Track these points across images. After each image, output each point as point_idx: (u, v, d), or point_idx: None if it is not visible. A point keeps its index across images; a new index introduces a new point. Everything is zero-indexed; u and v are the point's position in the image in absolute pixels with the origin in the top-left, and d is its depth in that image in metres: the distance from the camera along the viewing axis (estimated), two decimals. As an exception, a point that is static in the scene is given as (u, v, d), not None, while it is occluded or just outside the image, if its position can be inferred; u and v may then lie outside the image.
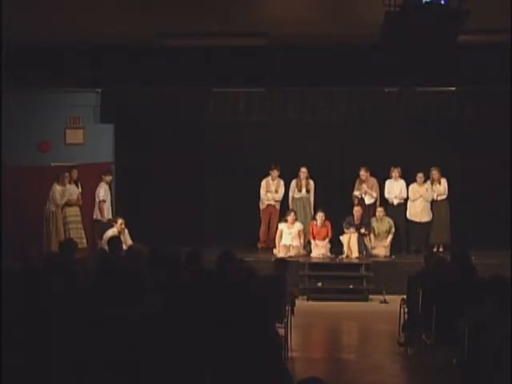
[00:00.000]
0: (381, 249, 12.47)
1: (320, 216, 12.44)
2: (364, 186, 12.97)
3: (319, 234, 12.42)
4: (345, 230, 12.40)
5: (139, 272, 6.10)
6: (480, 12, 8.26)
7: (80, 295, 5.72)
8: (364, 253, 12.27)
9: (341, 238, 12.44)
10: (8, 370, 4.75)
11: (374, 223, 12.56)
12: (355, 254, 12.19)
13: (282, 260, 8.49)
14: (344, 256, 12.24)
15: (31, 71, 12.00)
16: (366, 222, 12.49)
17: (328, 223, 12.51)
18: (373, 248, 12.48)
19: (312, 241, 12.48)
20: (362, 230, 12.37)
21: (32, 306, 5.65)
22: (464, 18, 7.59)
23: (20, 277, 6.55)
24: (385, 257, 12.43)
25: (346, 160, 14.00)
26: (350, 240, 12.26)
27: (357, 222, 12.42)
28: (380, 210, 12.62)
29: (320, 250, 12.32)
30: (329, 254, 12.38)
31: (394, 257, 12.45)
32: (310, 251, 12.47)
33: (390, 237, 12.54)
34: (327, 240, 12.47)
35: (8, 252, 8.60)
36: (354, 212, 12.45)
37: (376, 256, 12.38)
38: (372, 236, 12.52)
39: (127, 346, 4.95)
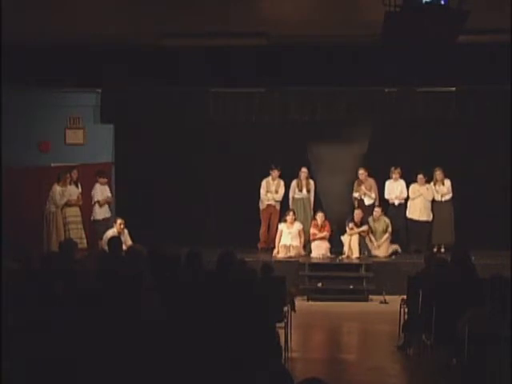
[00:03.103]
0: (379, 249, 12.45)
1: (320, 216, 12.45)
2: (362, 187, 12.98)
3: (319, 234, 12.41)
4: (347, 229, 12.36)
5: (139, 272, 6.10)
6: (480, 12, 8.26)
7: (80, 296, 5.72)
8: (366, 253, 12.28)
9: (342, 238, 12.44)
10: (8, 371, 4.75)
11: (371, 223, 12.55)
12: (356, 253, 12.19)
13: (267, 266, 8.45)
14: (344, 256, 12.23)
15: (31, 71, 12.00)
16: (366, 224, 12.50)
17: (327, 223, 12.51)
18: (375, 248, 12.46)
19: (312, 241, 12.47)
20: (363, 233, 12.38)
21: (32, 306, 5.64)
22: (464, 18, 7.59)
23: (20, 277, 6.55)
24: (384, 257, 12.41)
25: (346, 160, 14.01)
26: (350, 240, 12.26)
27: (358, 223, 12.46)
28: (377, 211, 12.61)
29: (320, 250, 12.31)
30: (329, 254, 12.38)
31: (394, 257, 12.44)
32: (310, 251, 12.47)
33: (386, 235, 12.51)
34: (327, 240, 12.47)
35: (8, 252, 8.60)
36: (355, 215, 12.44)
37: (376, 256, 12.38)
38: (372, 236, 12.51)
39: (128, 346, 4.94)
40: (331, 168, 13.86)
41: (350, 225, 12.37)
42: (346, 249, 12.28)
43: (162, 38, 10.87)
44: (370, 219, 12.59)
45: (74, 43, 11.34)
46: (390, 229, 12.54)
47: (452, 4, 7.37)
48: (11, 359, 4.83)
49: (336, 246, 12.62)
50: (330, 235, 12.57)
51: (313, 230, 12.46)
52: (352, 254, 12.20)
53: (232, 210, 13.77)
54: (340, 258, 12.24)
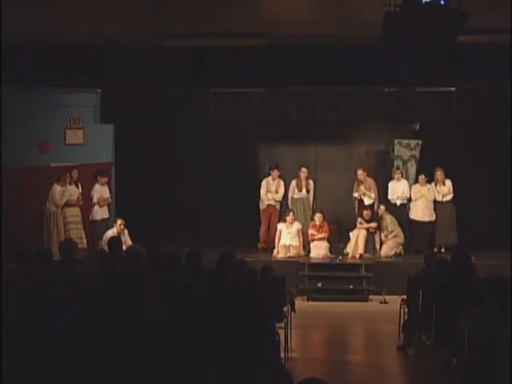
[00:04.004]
0: (383, 246, 12.43)
1: (318, 217, 12.43)
2: (362, 187, 12.97)
3: (318, 234, 12.38)
4: (357, 224, 12.35)
5: (139, 273, 6.10)
6: (480, 12, 8.27)
7: (80, 296, 5.72)
8: (372, 252, 12.27)
9: (350, 233, 12.42)
10: (8, 371, 4.75)
11: (380, 221, 12.52)
12: (361, 250, 12.16)
13: (267, 267, 8.43)
14: (349, 253, 12.18)
15: (31, 71, 12.00)
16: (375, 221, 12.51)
17: (326, 224, 12.49)
18: (383, 243, 12.43)
19: (311, 241, 12.44)
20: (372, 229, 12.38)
21: (32, 306, 5.64)
22: (464, 18, 7.59)
23: (20, 277, 6.55)
24: (386, 256, 12.34)
25: (346, 160, 14.01)
26: (358, 235, 12.24)
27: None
28: (381, 208, 12.58)
29: (319, 250, 12.29)
30: (328, 254, 12.35)
31: (393, 257, 12.42)
32: (309, 251, 12.45)
33: (392, 234, 12.46)
34: (326, 240, 12.44)
35: (8, 252, 8.59)
36: (364, 215, 12.42)
37: (377, 256, 12.34)
38: (382, 235, 12.47)
39: (128, 346, 4.94)
40: (331, 168, 13.87)
41: (360, 219, 12.38)
42: (352, 244, 12.24)
43: (162, 38, 10.87)
44: (379, 218, 12.56)
45: (73, 43, 11.34)
46: (390, 228, 12.48)
47: (452, 4, 7.37)
48: (11, 359, 4.83)
49: (337, 245, 12.62)
50: (329, 235, 12.54)
51: (311, 231, 12.44)
52: (357, 250, 12.17)
53: (232, 210, 13.76)
54: (340, 257, 12.23)
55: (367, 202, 12.96)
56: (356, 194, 13.08)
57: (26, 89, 13.02)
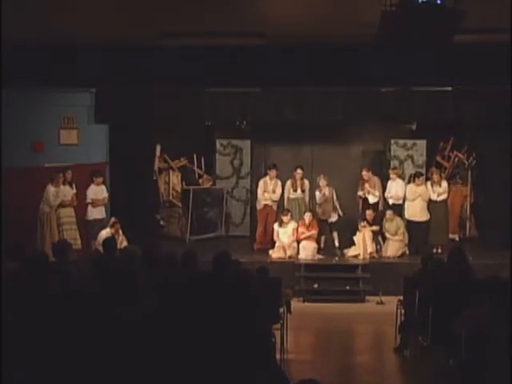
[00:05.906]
0: (389, 248, 12.39)
1: (308, 216, 12.38)
2: (366, 185, 12.94)
3: (307, 232, 12.30)
4: (359, 227, 12.32)
5: (134, 273, 6.08)
6: (480, 12, 8.25)
7: (75, 296, 5.69)
8: (379, 247, 12.24)
9: (354, 237, 12.36)
10: (7, 370, 4.73)
11: (384, 223, 12.47)
12: (370, 249, 12.07)
13: (262, 268, 8.39)
14: (358, 254, 12.13)
15: (31, 71, 11.94)
16: (378, 222, 12.46)
17: (315, 222, 12.44)
18: (384, 247, 12.39)
19: (299, 240, 12.35)
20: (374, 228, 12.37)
21: (27, 306, 5.62)
22: (460, 17, 7.56)
23: (15, 278, 6.52)
24: (393, 257, 12.27)
25: (343, 161, 13.99)
26: (364, 236, 12.18)
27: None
28: (389, 213, 12.52)
29: (307, 251, 12.19)
30: (316, 255, 12.25)
31: (397, 258, 12.35)
32: (298, 252, 12.35)
33: (396, 237, 12.41)
34: (315, 240, 12.35)
35: (6, 252, 8.54)
36: (367, 215, 12.37)
37: (382, 257, 12.29)
38: (387, 234, 12.43)
39: (124, 346, 4.93)
40: (327, 168, 13.82)
41: (363, 223, 12.33)
42: (360, 245, 12.15)
43: (162, 38, 10.82)
44: (384, 220, 12.51)
45: (73, 43, 11.29)
46: (401, 230, 12.42)
47: (448, 3, 7.34)
48: (11, 359, 4.82)
49: (331, 244, 12.57)
50: (318, 234, 12.47)
51: (301, 229, 12.36)
52: (366, 251, 12.09)
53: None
54: (336, 258, 12.19)
55: (372, 200, 12.91)
56: (360, 193, 13.02)
57: (25, 89, 12.90)
